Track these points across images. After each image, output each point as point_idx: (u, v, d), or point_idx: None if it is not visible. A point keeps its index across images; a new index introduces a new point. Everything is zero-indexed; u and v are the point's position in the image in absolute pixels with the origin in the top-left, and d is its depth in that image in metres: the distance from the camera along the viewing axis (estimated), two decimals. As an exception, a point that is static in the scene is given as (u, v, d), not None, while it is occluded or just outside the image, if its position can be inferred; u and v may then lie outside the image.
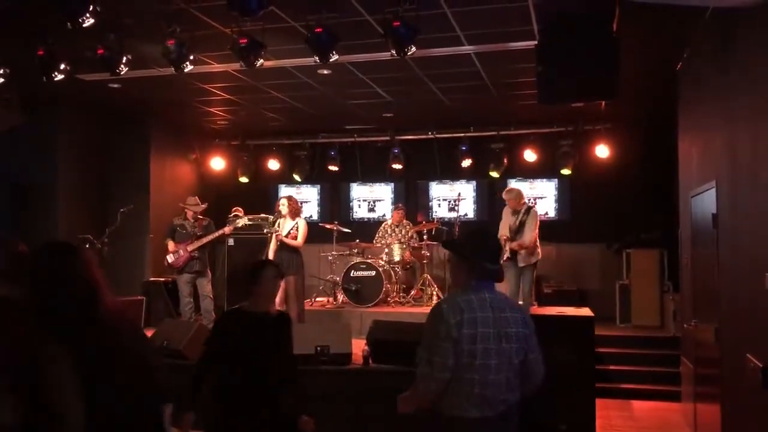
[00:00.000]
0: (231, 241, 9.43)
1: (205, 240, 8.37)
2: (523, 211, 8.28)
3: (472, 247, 3.15)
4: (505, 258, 8.18)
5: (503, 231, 8.37)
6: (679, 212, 7.21)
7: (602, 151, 9.95)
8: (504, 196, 8.39)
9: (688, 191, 6.50)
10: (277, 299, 7.60)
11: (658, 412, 7.19)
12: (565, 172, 10.15)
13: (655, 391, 7.61)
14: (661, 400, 7.48)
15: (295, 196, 10.75)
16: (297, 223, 7.91)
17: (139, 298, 9.39)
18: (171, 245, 8.30)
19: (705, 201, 5.55)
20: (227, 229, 8.51)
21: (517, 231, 8.13)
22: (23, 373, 2.11)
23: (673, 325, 8.38)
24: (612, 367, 7.88)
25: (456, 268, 3.21)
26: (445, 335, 2.93)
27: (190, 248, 8.25)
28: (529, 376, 3.17)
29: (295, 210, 8.05)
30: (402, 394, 3.18)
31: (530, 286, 8.31)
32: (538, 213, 8.57)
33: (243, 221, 8.57)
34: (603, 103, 8.29)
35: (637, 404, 7.45)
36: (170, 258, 8.32)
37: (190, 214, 8.50)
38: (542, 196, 10.74)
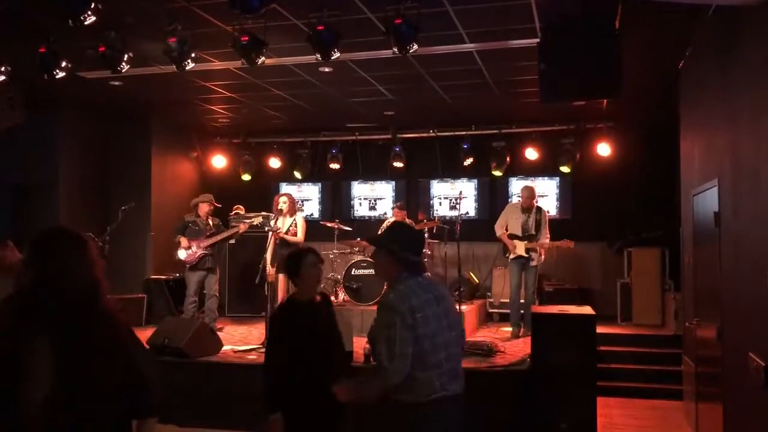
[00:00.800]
0: (232, 239, 9.43)
1: (219, 236, 8.42)
2: (535, 210, 8.33)
3: (398, 241, 3.26)
4: (514, 255, 8.23)
5: (503, 229, 8.39)
6: (681, 210, 7.20)
7: (604, 149, 9.95)
8: (522, 192, 8.44)
9: (689, 189, 6.49)
10: (279, 296, 7.65)
11: (659, 410, 7.19)
12: (565, 170, 10.14)
13: (657, 390, 7.61)
14: (663, 398, 7.47)
15: (296, 194, 10.77)
16: (295, 219, 7.91)
17: (141, 295, 9.41)
18: (184, 241, 8.28)
19: (707, 199, 5.53)
20: (242, 227, 8.52)
21: (536, 230, 8.18)
22: (4, 360, 2.14)
23: (674, 323, 8.38)
24: (613, 366, 7.87)
25: (384, 262, 3.29)
26: (401, 324, 3.00)
27: (203, 244, 8.27)
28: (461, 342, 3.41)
29: (293, 207, 8.05)
30: (342, 383, 3.24)
31: (534, 284, 8.35)
32: (543, 212, 8.63)
33: (258, 219, 8.56)
34: (605, 101, 8.29)
35: (638, 403, 7.44)
36: (182, 254, 8.30)
37: (203, 211, 8.51)
38: (544, 194, 10.71)
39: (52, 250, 2.34)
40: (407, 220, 9.92)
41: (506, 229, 8.40)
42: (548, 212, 10.38)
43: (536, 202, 8.54)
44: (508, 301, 8.69)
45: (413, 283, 3.16)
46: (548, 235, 8.29)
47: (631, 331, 8.81)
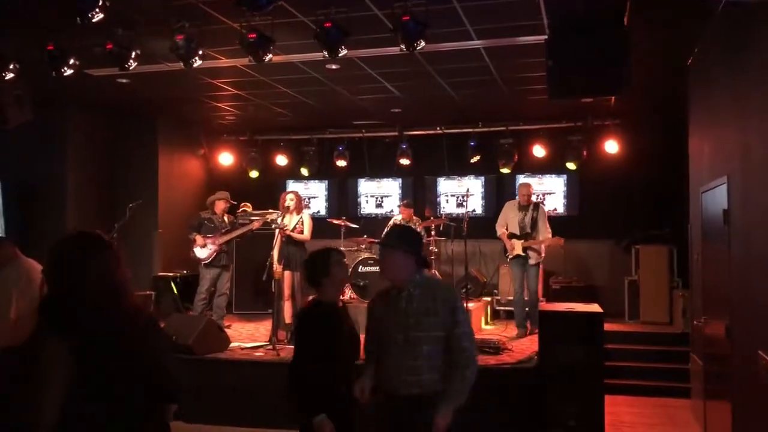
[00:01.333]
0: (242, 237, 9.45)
1: (235, 233, 8.45)
2: (532, 207, 8.27)
3: (410, 241, 3.41)
4: (513, 254, 8.20)
5: (503, 228, 8.35)
6: (689, 208, 7.17)
7: (611, 146, 9.90)
8: (520, 189, 8.42)
9: (698, 186, 6.46)
10: (285, 294, 7.65)
11: (667, 408, 7.17)
12: (572, 167, 10.10)
13: (665, 388, 7.59)
14: (671, 396, 7.45)
15: (303, 192, 10.77)
16: (302, 217, 7.92)
17: (148, 292, 9.45)
18: (200, 239, 8.31)
19: (716, 196, 5.51)
20: (256, 224, 8.55)
21: (532, 228, 8.14)
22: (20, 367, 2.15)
23: (682, 321, 8.35)
24: (621, 364, 7.85)
25: (402, 262, 3.33)
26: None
27: (219, 241, 8.31)
28: None
29: (300, 205, 8.07)
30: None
31: (536, 282, 8.32)
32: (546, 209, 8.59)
33: (273, 216, 8.58)
34: (612, 98, 8.25)
35: (646, 400, 7.42)
36: (198, 251, 8.33)
37: (220, 208, 8.56)
38: (551, 191, 10.70)
39: (66, 260, 2.33)
40: (414, 218, 9.92)
41: (507, 228, 8.37)
42: (554, 209, 10.41)
43: (539, 198, 8.49)
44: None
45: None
46: (549, 232, 8.21)
47: (639, 328, 8.79)
